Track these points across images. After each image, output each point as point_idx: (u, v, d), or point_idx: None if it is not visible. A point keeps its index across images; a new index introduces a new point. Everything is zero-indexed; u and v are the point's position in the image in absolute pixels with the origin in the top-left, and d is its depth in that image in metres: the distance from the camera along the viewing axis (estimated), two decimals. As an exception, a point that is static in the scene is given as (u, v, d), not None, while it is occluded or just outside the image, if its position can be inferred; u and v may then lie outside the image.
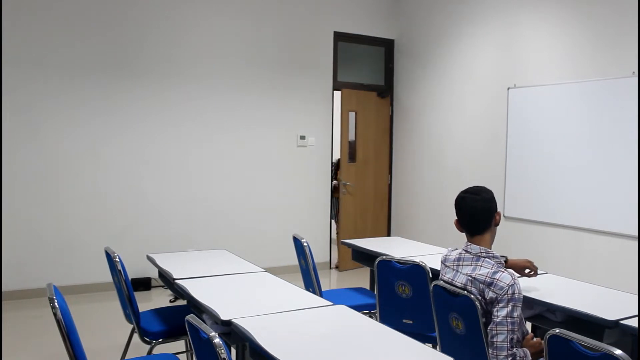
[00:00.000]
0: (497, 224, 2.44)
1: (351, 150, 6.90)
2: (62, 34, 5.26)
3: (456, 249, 2.52)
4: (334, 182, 7.00)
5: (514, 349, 2.23)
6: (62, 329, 2.10)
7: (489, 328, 2.25)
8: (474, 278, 2.32)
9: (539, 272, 2.83)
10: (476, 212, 2.38)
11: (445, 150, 6.32)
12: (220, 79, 6.00)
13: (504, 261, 2.67)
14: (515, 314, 2.22)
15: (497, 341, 2.21)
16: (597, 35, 4.67)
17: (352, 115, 6.85)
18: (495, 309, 2.24)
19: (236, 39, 6.06)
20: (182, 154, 5.85)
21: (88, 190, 5.44)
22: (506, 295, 2.22)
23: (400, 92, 7.03)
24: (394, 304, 3.11)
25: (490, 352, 2.25)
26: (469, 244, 2.42)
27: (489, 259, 2.35)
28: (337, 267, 6.80)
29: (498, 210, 2.45)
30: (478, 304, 2.27)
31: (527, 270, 2.78)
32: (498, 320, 2.21)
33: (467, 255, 2.41)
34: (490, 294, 2.26)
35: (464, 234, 2.47)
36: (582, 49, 4.80)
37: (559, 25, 4.99)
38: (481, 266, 2.33)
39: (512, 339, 2.22)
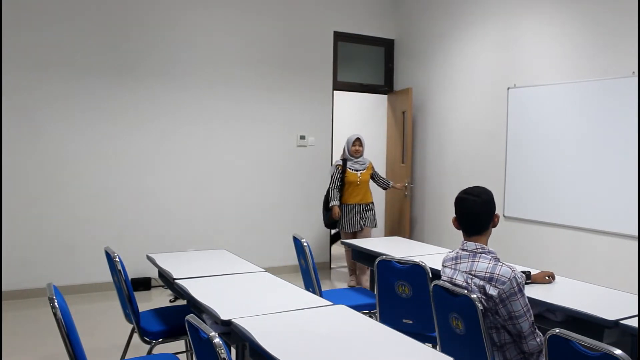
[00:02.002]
0: (495, 226, 2.47)
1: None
2: (64, 35, 5.26)
3: (454, 251, 2.55)
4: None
5: (536, 329, 2.33)
6: (62, 329, 2.10)
7: (511, 323, 2.29)
8: (474, 275, 2.34)
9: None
10: (476, 215, 2.41)
11: (445, 150, 6.32)
12: (220, 79, 6.00)
13: (527, 276, 2.92)
14: (527, 300, 2.29)
15: (523, 331, 2.29)
16: (597, 35, 4.67)
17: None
18: (507, 305, 2.27)
19: (237, 40, 6.06)
20: (182, 153, 5.85)
21: (88, 191, 5.43)
22: (513, 289, 2.25)
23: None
24: (394, 304, 3.12)
25: (521, 341, 2.31)
26: (465, 242, 2.44)
27: (485, 254, 2.38)
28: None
29: (496, 213, 2.47)
30: (478, 304, 2.27)
31: (546, 278, 2.99)
32: (517, 314, 2.27)
33: (464, 253, 2.44)
34: (492, 290, 2.27)
35: (461, 232, 2.50)
36: (582, 49, 4.80)
37: (559, 26, 4.99)
38: (478, 262, 2.36)
39: (532, 322, 2.31)
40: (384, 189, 6.17)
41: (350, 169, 5.76)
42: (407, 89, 6.67)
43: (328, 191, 5.84)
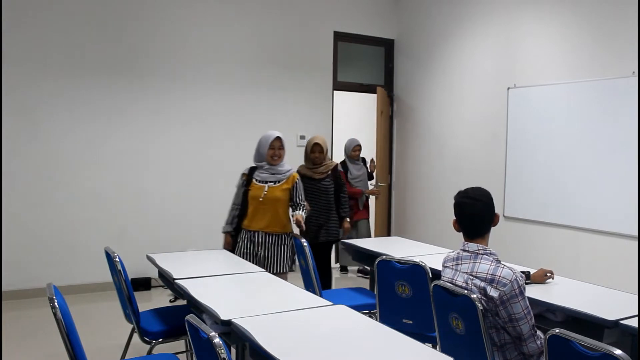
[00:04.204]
0: (495, 225, 2.46)
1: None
2: (63, 34, 5.26)
3: (455, 251, 2.54)
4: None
5: (537, 331, 2.33)
6: (62, 329, 2.10)
7: (511, 325, 2.29)
8: (475, 276, 2.34)
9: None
10: (478, 218, 2.40)
11: (445, 150, 6.32)
12: (220, 79, 6.00)
13: (527, 276, 2.91)
14: (527, 303, 2.29)
15: (523, 333, 2.29)
16: (597, 35, 4.67)
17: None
18: (508, 307, 2.26)
19: (236, 39, 6.06)
20: (182, 153, 5.85)
21: (88, 190, 5.43)
22: (514, 291, 2.25)
23: (400, 92, 7.03)
24: (394, 304, 3.12)
25: (520, 344, 2.32)
26: (466, 243, 2.44)
27: (487, 255, 2.37)
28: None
29: (497, 213, 2.47)
30: (478, 304, 2.27)
31: (545, 275, 2.98)
32: (517, 316, 2.26)
33: (465, 253, 2.43)
34: (492, 292, 2.26)
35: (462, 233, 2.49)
36: (582, 49, 4.80)
37: (559, 26, 4.99)
38: (480, 263, 2.35)
39: (533, 325, 2.30)
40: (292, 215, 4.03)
41: (255, 179, 3.97)
42: (378, 89, 6.64)
43: None
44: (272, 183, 3.93)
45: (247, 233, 3.94)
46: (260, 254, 3.88)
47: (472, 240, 2.42)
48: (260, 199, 3.88)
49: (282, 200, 3.93)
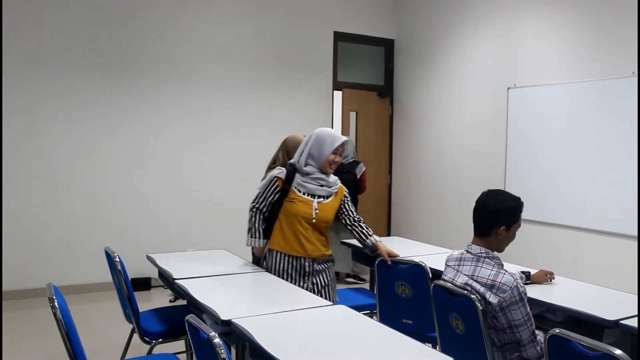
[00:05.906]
0: (503, 235, 2.35)
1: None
2: (62, 34, 5.26)
3: (459, 251, 2.54)
4: None
5: (538, 337, 2.32)
6: (62, 329, 2.10)
7: (510, 332, 2.28)
8: (475, 280, 2.33)
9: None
10: (479, 213, 2.40)
11: (445, 150, 6.32)
12: (220, 79, 6.00)
13: (527, 276, 2.89)
14: (528, 309, 2.28)
15: (522, 339, 2.28)
16: (596, 36, 4.67)
17: (352, 115, 6.85)
18: (508, 313, 2.25)
19: (236, 39, 6.06)
20: (182, 153, 5.85)
21: (88, 190, 5.43)
22: (513, 298, 2.24)
23: (400, 92, 7.03)
24: (394, 304, 3.12)
25: (519, 349, 2.32)
26: (471, 244, 2.43)
27: (489, 259, 2.36)
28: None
29: (513, 225, 2.35)
30: (478, 304, 2.27)
31: (545, 276, 2.97)
32: (517, 322, 2.26)
33: (468, 255, 2.42)
34: (492, 298, 2.26)
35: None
36: (582, 48, 4.80)
37: (559, 26, 4.99)
38: (481, 267, 2.34)
39: (533, 331, 2.29)
40: (361, 242, 3.24)
41: (298, 190, 3.05)
42: (344, 89, 6.65)
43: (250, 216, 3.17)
44: (322, 199, 3.06)
45: (280, 256, 3.08)
46: (309, 286, 3.07)
47: (477, 239, 2.41)
48: (313, 219, 3.01)
49: (331, 219, 3.12)
